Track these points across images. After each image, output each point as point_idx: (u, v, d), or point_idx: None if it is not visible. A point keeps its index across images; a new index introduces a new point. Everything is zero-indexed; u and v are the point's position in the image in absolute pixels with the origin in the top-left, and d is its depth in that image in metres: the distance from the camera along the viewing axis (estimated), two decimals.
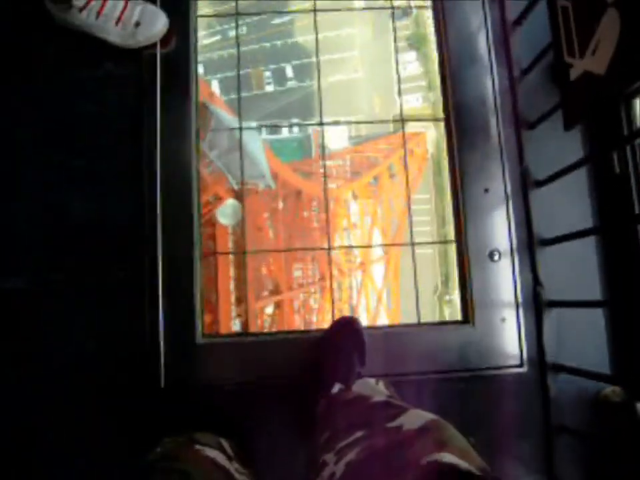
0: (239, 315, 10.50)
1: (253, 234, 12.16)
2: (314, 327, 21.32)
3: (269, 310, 14.87)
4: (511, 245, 1.52)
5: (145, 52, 1.55)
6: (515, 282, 1.51)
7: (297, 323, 18.80)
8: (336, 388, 1.34)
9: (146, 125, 1.51)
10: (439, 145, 33.41)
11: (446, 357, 1.48)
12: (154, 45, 1.55)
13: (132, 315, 1.47)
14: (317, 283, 22.16)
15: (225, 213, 8.99)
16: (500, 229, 1.52)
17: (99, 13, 1.42)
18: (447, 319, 33.04)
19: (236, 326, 10.47)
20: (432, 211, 32.64)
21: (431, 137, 33.38)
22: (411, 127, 32.11)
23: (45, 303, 1.45)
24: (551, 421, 1.46)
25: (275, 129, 25.69)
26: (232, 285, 10.29)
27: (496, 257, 1.51)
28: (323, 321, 23.05)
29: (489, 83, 1.57)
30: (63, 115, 1.51)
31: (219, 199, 8.65)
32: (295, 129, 26.08)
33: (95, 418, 1.44)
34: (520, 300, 1.51)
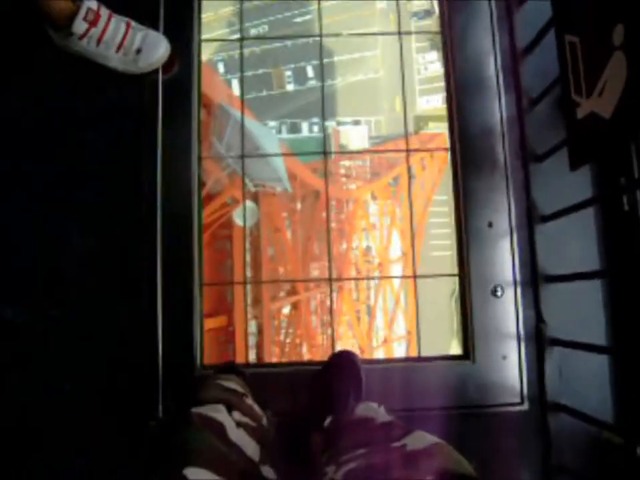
0: (255, 317, 10.51)
1: (270, 235, 12.16)
2: (330, 330, 21.33)
3: (286, 310, 14.86)
4: (515, 280, 1.49)
5: (147, 78, 1.54)
6: (518, 318, 1.48)
7: (314, 324, 18.81)
8: (327, 421, 1.33)
9: (147, 154, 1.50)
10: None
11: (445, 393, 1.46)
12: (156, 71, 1.54)
13: (131, 346, 1.47)
14: (333, 284, 22.12)
15: (242, 214, 9.01)
16: (504, 263, 1.49)
17: (99, 40, 1.41)
18: None
19: (252, 327, 10.49)
20: (451, 213, 32.37)
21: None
22: (431, 128, 31.93)
23: (45, 335, 1.46)
24: (551, 460, 1.43)
25: (294, 128, 25.67)
26: (248, 287, 10.30)
27: (499, 293, 1.48)
28: (340, 322, 23.05)
29: (496, 111, 1.54)
30: (63, 144, 1.51)
31: (236, 201, 8.67)
32: (315, 128, 26.05)
33: (94, 447, 1.44)
34: (522, 336, 1.47)
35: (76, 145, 1.53)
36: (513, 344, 1.47)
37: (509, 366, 1.47)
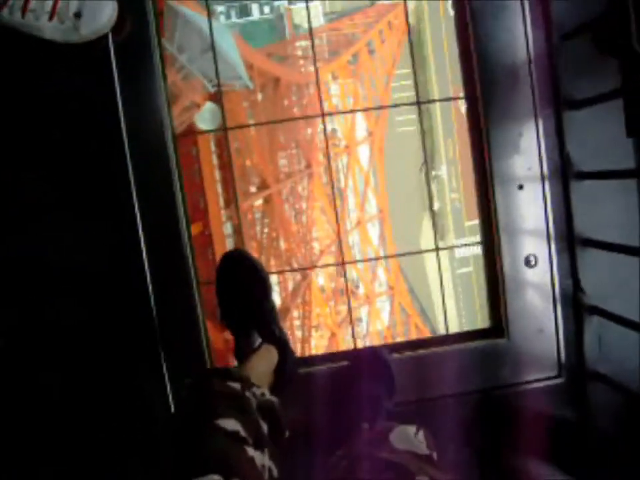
0: (229, 218, 10.35)
1: (234, 133, 11.71)
2: (304, 217, 21.37)
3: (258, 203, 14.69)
4: (549, 247, 1.32)
5: (96, 44, 1.24)
6: (554, 288, 1.33)
7: (287, 214, 18.81)
8: (362, 427, 1.21)
9: (110, 137, 1.24)
10: (419, 15, 31.74)
11: (479, 374, 1.34)
12: (106, 36, 1.23)
13: (121, 368, 1.31)
14: (303, 170, 21.90)
15: (204, 117, 8.56)
16: (537, 229, 1.31)
17: (24, 10, 1.10)
18: (434, 195, 33.22)
19: (228, 229, 10.35)
20: (414, 86, 31.58)
21: (410, 7, 31.63)
22: None
23: (23, 359, 1.28)
24: (590, 432, 1.36)
25: (244, 10, 24.07)
26: (219, 188, 10.06)
27: (532, 262, 1.32)
28: (312, 208, 23.09)
29: (523, 49, 1.29)
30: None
31: (196, 106, 8.19)
32: (266, 9, 24.48)
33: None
34: (559, 307, 1.34)
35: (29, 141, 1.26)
36: (549, 316, 1.34)
37: (545, 339, 1.34)
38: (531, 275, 1.33)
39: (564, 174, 1.29)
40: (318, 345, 20.02)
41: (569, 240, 1.31)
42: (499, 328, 1.36)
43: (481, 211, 1.38)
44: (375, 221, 29.84)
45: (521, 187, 1.30)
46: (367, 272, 28.85)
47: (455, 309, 33.54)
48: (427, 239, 33.50)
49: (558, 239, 1.32)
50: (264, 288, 1.35)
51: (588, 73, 1.22)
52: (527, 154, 1.29)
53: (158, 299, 1.33)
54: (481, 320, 33.49)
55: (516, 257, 1.32)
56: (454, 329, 33.94)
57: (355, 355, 1.40)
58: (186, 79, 7.73)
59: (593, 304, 1.32)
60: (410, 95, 32.50)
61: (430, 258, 33.59)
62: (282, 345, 1.30)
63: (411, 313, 30.68)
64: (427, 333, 31.85)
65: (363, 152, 29.33)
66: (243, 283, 1.33)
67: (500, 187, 1.31)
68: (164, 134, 1.33)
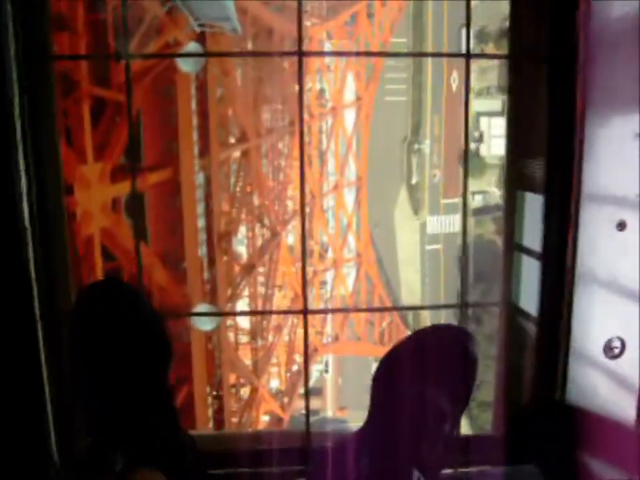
0: (202, 168, 10.02)
1: (219, 78, 11.28)
2: (281, 174, 21.02)
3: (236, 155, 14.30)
4: None
5: None
6: None
7: (265, 169, 18.46)
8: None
9: None
10: None
11: None
12: None
13: None
14: (286, 127, 21.47)
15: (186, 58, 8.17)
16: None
17: None
18: (414, 169, 33.04)
19: (200, 179, 10.03)
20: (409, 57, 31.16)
21: None
22: None
23: None
24: None
25: None
26: (195, 135, 9.71)
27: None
28: (291, 166, 22.75)
29: None
30: None
31: (178, 43, 7.79)
32: None
33: None
34: None
35: None
36: None
37: None
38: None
39: None
40: (279, 306, 19.96)
41: None
42: None
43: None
44: (353, 187, 29.66)
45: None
46: (337, 237, 28.80)
47: (420, 284, 33.82)
48: (401, 211, 33.49)
49: None
50: (164, 354, 0.88)
51: None
52: None
53: None
54: (444, 297, 33.93)
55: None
56: (415, 302, 34.25)
57: (421, 335, 0.98)
58: (170, 13, 7.32)
59: None
60: (404, 64, 31.95)
61: (401, 230, 33.63)
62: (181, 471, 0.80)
63: (376, 282, 30.85)
64: (388, 303, 32.14)
65: (349, 116, 28.91)
66: (124, 342, 0.84)
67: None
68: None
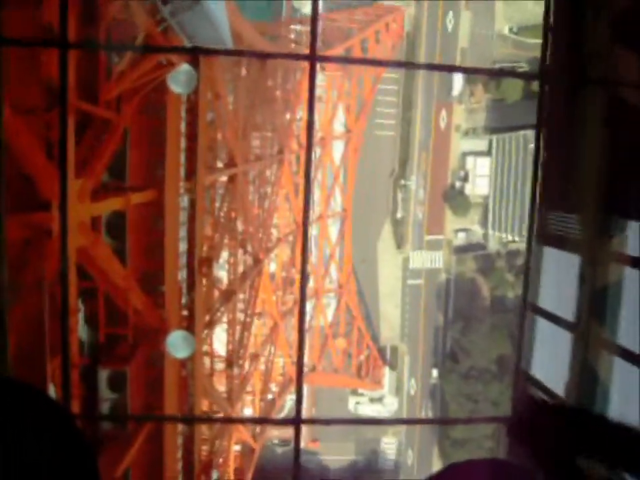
0: (188, 191, 9.84)
1: (210, 101, 11.20)
2: (267, 202, 20.89)
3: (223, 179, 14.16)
4: None
5: None
6: None
7: (251, 196, 18.33)
8: None
9: None
10: (418, 24, 31.61)
11: None
12: None
13: None
14: (275, 155, 21.46)
15: (178, 79, 8.05)
16: None
17: None
18: (399, 204, 33.18)
19: (184, 202, 9.84)
20: (399, 92, 31.55)
21: (410, 13, 31.48)
22: (390, 1, 30.19)
23: None
24: None
25: None
26: (182, 157, 9.57)
27: None
28: (277, 194, 22.66)
29: None
30: None
31: (170, 64, 7.68)
32: None
33: None
34: None
35: None
36: None
37: None
38: None
39: None
40: (258, 334, 19.69)
41: None
42: None
43: None
44: (337, 218, 29.67)
45: None
46: (319, 267, 28.68)
47: (400, 318, 33.69)
48: (384, 245, 33.50)
49: None
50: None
51: None
52: None
53: None
54: (423, 333, 33.76)
55: None
56: (395, 339, 34.08)
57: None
58: (165, 33, 7.22)
59: None
60: (394, 100, 32.34)
61: (383, 264, 33.60)
62: None
63: (356, 314, 30.68)
64: (367, 338, 31.91)
65: (338, 148, 29.09)
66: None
67: None
68: None
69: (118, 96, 7.45)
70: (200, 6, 6.57)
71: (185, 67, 7.98)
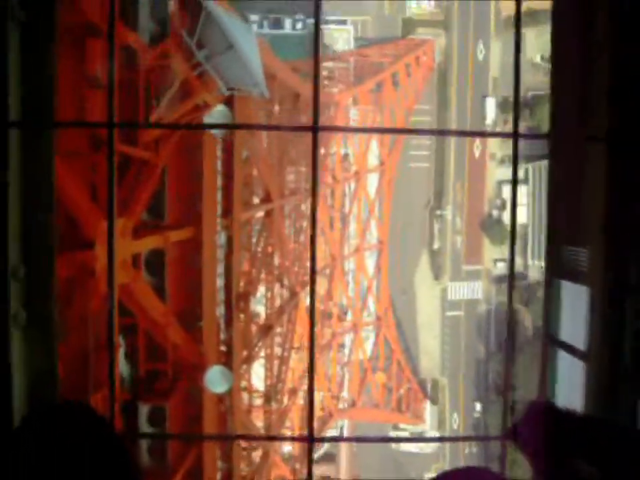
0: (225, 228, 10.05)
1: (244, 140, 11.48)
2: (303, 235, 21.08)
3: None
4: None
5: None
6: None
7: (287, 230, 18.53)
8: None
9: None
10: (448, 55, 31.87)
11: None
12: None
13: None
14: (309, 189, 21.69)
15: (214, 120, 8.32)
16: None
17: None
18: (436, 234, 32.98)
19: (221, 239, 10.03)
20: (433, 124, 31.67)
21: (440, 45, 31.78)
22: (419, 33, 30.54)
23: None
24: None
25: (276, 23, 24.08)
26: (219, 195, 9.79)
27: None
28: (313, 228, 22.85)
29: None
30: None
31: (206, 105, 7.94)
32: (299, 25, 24.51)
33: None
34: None
35: None
36: None
37: None
38: None
39: None
40: (295, 368, 19.61)
41: None
42: None
43: None
44: (374, 250, 29.62)
45: None
46: (357, 299, 28.56)
47: (439, 350, 33.16)
48: (422, 276, 33.21)
49: None
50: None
51: None
52: None
53: None
54: (464, 364, 33.12)
55: None
56: (435, 371, 33.47)
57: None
58: (201, 77, 7.50)
59: None
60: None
61: (422, 295, 33.28)
62: None
63: (394, 348, 30.31)
64: (407, 372, 31.45)
65: (372, 180, 29.22)
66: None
67: None
68: None
69: (156, 137, 7.73)
70: (233, 50, 6.82)
71: (220, 108, 8.24)
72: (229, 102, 8.64)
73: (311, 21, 24.36)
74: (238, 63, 7.63)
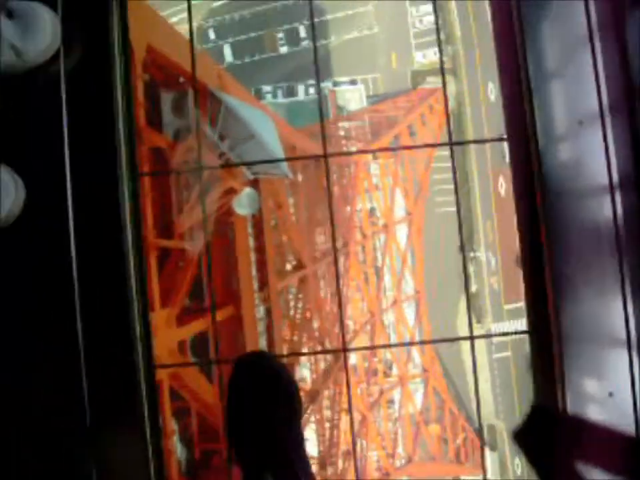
0: (263, 301, 10.32)
1: (272, 210, 11.88)
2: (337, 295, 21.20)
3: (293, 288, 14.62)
4: None
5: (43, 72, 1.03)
6: None
7: (323, 292, 18.70)
8: None
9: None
10: (460, 99, 32.41)
11: None
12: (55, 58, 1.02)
13: None
14: (340, 249, 21.97)
15: (242, 203, 8.73)
16: None
17: None
18: (472, 277, 32.70)
19: (260, 312, 10.30)
20: (451, 168, 31.91)
21: (451, 91, 32.37)
22: (429, 83, 31.22)
23: None
24: None
25: (290, 91, 25.02)
26: (254, 270, 10.10)
27: None
28: (348, 286, 23.00)
29: None
30: None
31: (234, 190, 8.37)
32: (311, 90, 25.40)
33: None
34: None
35: None
36: None
37: None
38: None
39: None
40: (347, 430, 19.37)
41: None
42: None
43: None
44: (412, 301, 29.44)
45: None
46: (401, 353, 28.21)
47: (492, 394, 32.29)
48: (463, 321, 32.76)
49: None
50: (290, 409, 1.12)
51: None
52: None
53: None
54: (518, 405, 32.15)
55: None
56: (490, 416, 32.51)
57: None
58: (226, 164, 7.96)
59: None
60: (449, 176, 32.74)
61: (467, 342, 32.74)
62: None
63: (445, 397, 29.63)
64: (461, 420, 30.60)
65: (401, 231, 29.36)
66: (262, 402, 1.09)
67: None
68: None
69: (191, 227, 8.14)
70: (255, 139, 7.25)
71: (247, 191, 8.66)
72: (254, 184, 9.07)
73: (324, 84, 25.23)
74: (259, 147, 8.08)
